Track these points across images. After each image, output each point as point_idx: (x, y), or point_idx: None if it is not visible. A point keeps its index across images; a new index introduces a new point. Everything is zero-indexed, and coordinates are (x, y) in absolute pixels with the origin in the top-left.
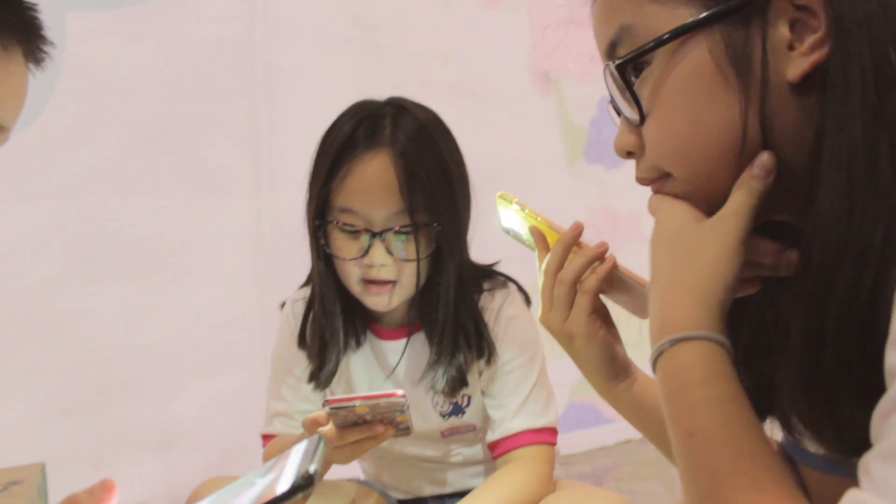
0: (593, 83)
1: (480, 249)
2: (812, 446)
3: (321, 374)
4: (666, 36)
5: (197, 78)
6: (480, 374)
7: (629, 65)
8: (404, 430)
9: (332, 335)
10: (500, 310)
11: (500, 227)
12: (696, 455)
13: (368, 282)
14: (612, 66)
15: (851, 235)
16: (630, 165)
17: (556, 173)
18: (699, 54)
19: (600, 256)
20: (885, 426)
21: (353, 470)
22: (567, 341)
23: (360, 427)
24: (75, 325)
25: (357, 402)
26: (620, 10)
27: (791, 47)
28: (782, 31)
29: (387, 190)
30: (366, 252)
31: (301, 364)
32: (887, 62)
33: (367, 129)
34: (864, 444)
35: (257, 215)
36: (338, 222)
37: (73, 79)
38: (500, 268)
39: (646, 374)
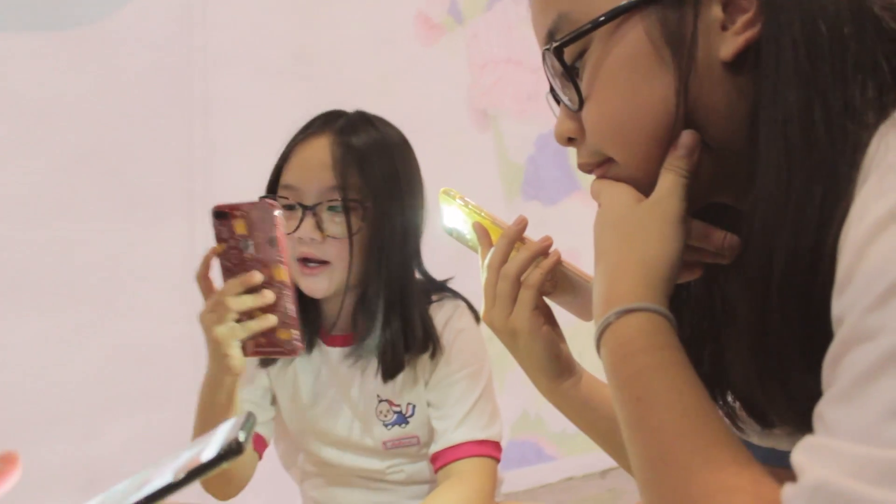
0: (531, 121)
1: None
2: (756, 438)
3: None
4: (601, 18)
5: (132, 105)
6: (426, 384)
7: (567, 49)
8: (289, 328)
9: None
10: (447, 322)
11: (442, 228)
12: (645, 419)
13: (302, 261)
14: (549, 51)
15: (790, 202)
16: (568, 203)
17: (495, 210)
18: (635, 35)
19: (544, 251)
20: (836, 372)
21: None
22: (510, 338)
23: (239, 277)
24: None
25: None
26: None
27: (724, 27)
28: (715, 11)
29: (322, 165)
30: (297, 227)
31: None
32: (817, 32)
33: (322, 121)
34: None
35: (190, 245)
36: (276, 197)
37: None
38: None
39: (590, 373)
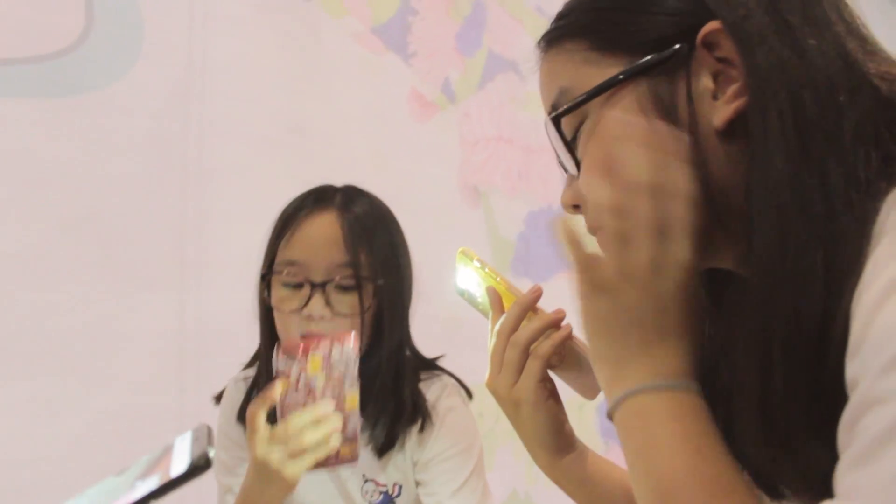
0: (521, 198)
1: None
2: None
3: None
4: (593, 90)
5: (126, 172)
6: (415, 464)
7: (566, 120)
8: (351, 443)
9: None
10: (437, 400)
11: (455, 289)
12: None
13: (308, 336)
14: (549, 121)
15: (787, 266)
16: (558, 280)
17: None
18: (627, 105)
19: (556, 323)
20: (852, 435)
21: None
22: (513, 408)
23: (308, 408)
24: None
25: (310, 353)
26: (559, 74)
27: (715, 97)
28: (705, 81)
29: (330, 242)
30: (305, 303)
31: (238, 430)
32: (803, 104)
33: (317, 195)
34: (829, 483)
35: (180, 314)
36: (281, 273)
37: None
38: (445, 359)
39: (591, 448)
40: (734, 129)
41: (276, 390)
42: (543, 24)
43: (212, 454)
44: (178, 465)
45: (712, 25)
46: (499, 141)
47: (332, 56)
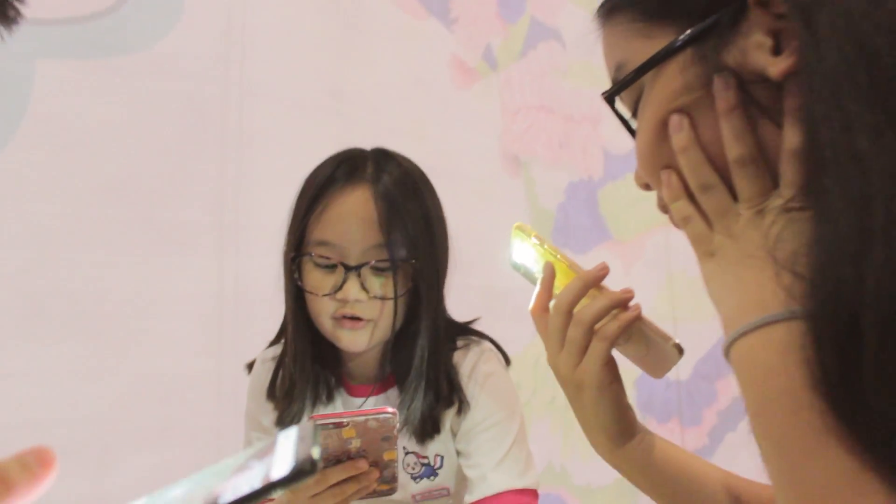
0: (562, 168)
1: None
2: None
3: (286, 415)
4: (643, 65)
5: (165, 135)
6: (455, 434)
7: (625, 95)
8: (390, 483)
9: (302, 380)
10: (474, 366)
11: (509, 262)
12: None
13: (341, 317)
14: (603, 98)
15: (874, 219)
16: (598, 252)
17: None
18: (677, 76)
19: (624, 303)
20: None
21: None
22: (575, 391)
23: (343, 465)
24: (8, 386)
25: (345, 419)
26: (614, 48)
27: (774, 53)
28: (760, 39)
29: (365, 223)
30: (340, 287)
31: (269, 415)
32: (877, 52)
33: (348, 167)
34: None
35: (219, 278)
36: (312, 255)
37: (35, 127)
38: (483, 328)
39: (652, 431)
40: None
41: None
42: None
43: (316, 455)
44: (281, 467)
45: None
46: (540, 110)
47: (372, 20)
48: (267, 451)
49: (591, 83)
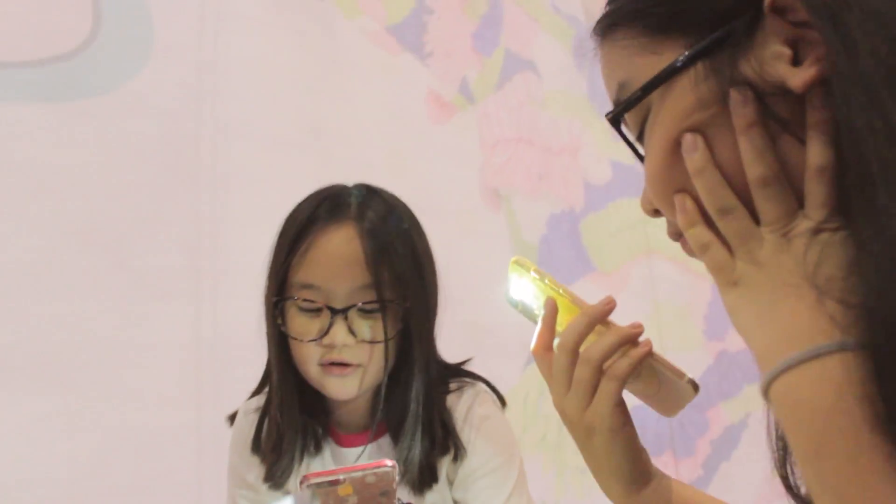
0: (542, 199)
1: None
2: None
3: (275, 470)
4: (649, 83)
5: (137, 176)
6: (451, 482)
7: (630, 116)
8: None
9: (290, 431)
10: (469, 410)
11: (506, 299)
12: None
13: (328, 363)
14: (607, 119)
15: None
16: (582, 284)
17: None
18: (686, 94)
19: (634, 339)
20: None
21: None
22: (585, 435)
23: None
24: None
25: (341, 476)
26: (616, 68)
27: (794, 63)
28: (778, 49)
29: (351, 263)
30: (326, 332)
31: (255, 470)
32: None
33: (330, 204)
34: None
35: (196, 326)
36: (296, 298)
37: None
38: (470, 366)
39: (668, 475)
40: (811, 97)
41: None
42: (559, 23)
43: None
44: None
45: None
46: (519, 142)
47: (347, 56)
48: None
49: (568, 113)
